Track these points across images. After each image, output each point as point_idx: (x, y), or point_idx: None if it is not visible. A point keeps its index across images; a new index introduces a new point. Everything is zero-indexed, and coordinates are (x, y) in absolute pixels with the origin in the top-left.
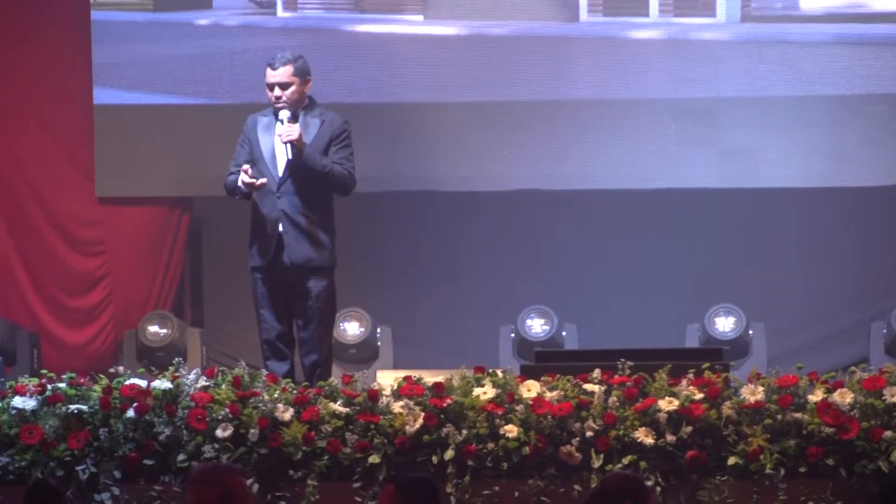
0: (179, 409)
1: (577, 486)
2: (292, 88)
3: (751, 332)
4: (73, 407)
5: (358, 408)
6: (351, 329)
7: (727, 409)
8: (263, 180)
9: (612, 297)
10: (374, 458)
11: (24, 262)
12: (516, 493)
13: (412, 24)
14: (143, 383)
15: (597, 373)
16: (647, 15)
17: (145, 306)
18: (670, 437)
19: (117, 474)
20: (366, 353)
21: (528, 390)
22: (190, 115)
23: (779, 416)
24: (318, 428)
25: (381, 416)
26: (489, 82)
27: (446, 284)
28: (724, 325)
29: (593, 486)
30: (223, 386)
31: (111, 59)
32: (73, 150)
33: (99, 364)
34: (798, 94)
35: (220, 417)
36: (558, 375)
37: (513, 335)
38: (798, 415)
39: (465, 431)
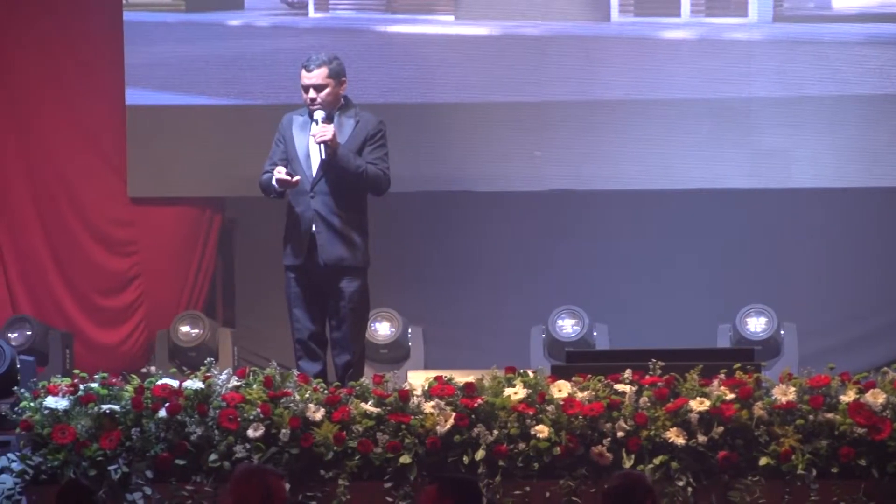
0: (211, 409)
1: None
2: (327, 90)
3: (782, 332)
4: (105, 407)
5: (389, 408)
6: (382, 329)
7: (759, 409)
8: (297, 178)
9: (644, 298)
10: (406, 459)
11: (57, 262)
12: (547, 494)
13: (443, 25)
14: (174, 383)
15: (628, 373)
16: (678, 15)
17: (177, 306)
18: (702, 438)
19: (149, 474)
20: (397, 354)
21: (559, 390)
22: (221, 116)
23: (810, 417)
24: (350, 428)
25: (413, 417)
26: (521, 82)
27: (477, 285)
28: (756, 325)
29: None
30: (255, 386)
31: (143, 59)
32: (106, 150)
33: (131, 364)
34: (830, 94)
35: (252, 417)
36: (589, 376)
37: (544, 335)
38: (830, 415)
39: (496, 432)
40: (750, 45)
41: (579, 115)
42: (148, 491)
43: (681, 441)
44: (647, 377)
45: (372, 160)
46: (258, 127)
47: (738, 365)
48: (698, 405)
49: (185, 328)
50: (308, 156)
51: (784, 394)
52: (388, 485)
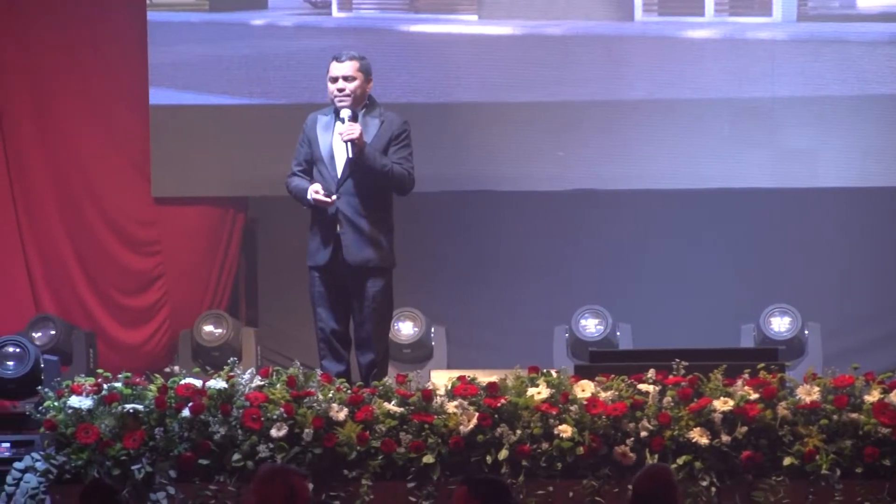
0: (234, 409)
1: (631, 487)
2: (357, 83)
3: (806, 332)
4: (128, 406)
5: (412, 407)
6: (405, 329)
7: (783, 409)
8: (334, 197)
9: (667, 297)
10: (429, 458)
11: (80, 262)
12: (570, 494)
13: (467, 24)
14: (198, 383)
15: (651, 373)
16: (702, 14)
17: (200, 306)
18: (725, 438)
19: (172, 474)
20: (420, 353)
21: (583, 390)
22: (245, 116)
23: (835, 417)
24: (373, 428)
25: (436, 416)
26: (543, 82)
27: (501, 284)
28: (780, 325)
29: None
30: (278, 385)
31: (167, 59)
32: (130, 150)
33: (154, 364)
34: (855, 94)
35: (275, 417)
36: (612, 375)
37: (567, 335)
38: (854, 415)
39: (519, 431)
40: (774, 45)
41: (602, 114)
42: (171, 490)
43: (704, 441)
44: (671, 377)
45: (397, 160)
46: (281, 126)
47: (762, 365)
48: (722, 405)
49: (208, 328)
50: (332, 156)
51: (808, 394)
52: (411, 485)
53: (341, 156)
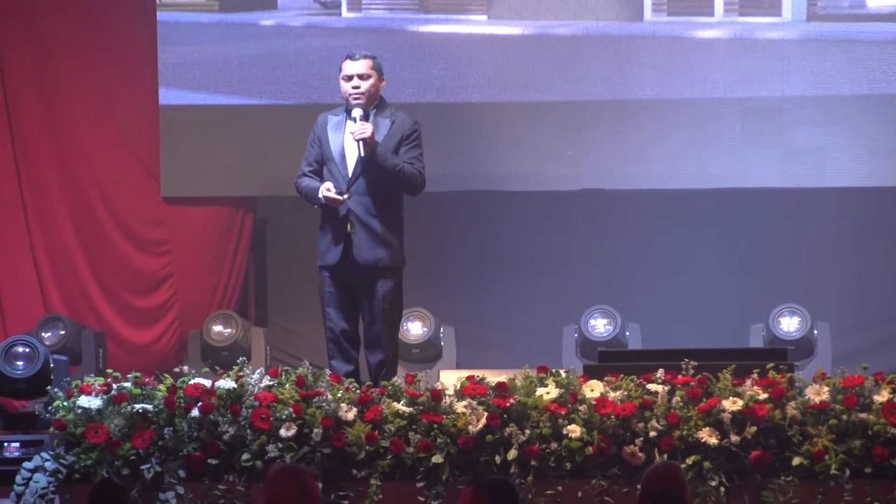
0: (243, 409)
1: (640, 487)
2: (371, 81)
3: (815, 332)
4: (138, 406)
5: (421, 407)
6: (414, 329)
7: (792, 409)
8: (346, 196)
9: (676, 297)
10: (438, 458)
11: (90, 262)
12: (579, 493)
13: (476, 24)
14: (207, 383)
15: (660, 373)
16: (711, 14)
17: (210, 306)
18: (734, 438)
19: (182, 473)
20: (429, 353)
21: (592, 390)
22: (254, 116)
23: (844, 417)
24: (382, 427)
25: (445, 416)
26: (553, 82)
27: (510, 284)
28: (789, 324)
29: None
30: (287, 385)
31: (177, 59)
32: (139, 150)
33: (164, 364)
34: (864, 93)
35: (284, 417)
36: (622, 375)
37: (576, 335)
38: (863, 415)
39: (528, 431)
40: (783, 45)
41: (611, 114)
42: (180, 490)
43: (713, 441)
44: (680, 377)
45: (408, 160)
46: (291, 126)
47: (771, 365)
48: (731, 405)
49: (217, 327)
50: (343, 156)
51: (817, 393)
52: (420, 484)
53: (352, 155)
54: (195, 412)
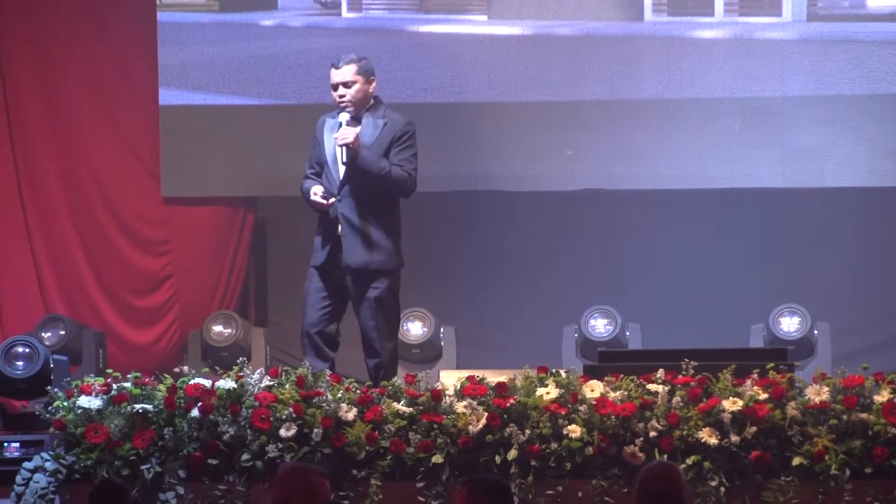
0: (243, 409)
1: (637, 486)
2: (356, 87)
3: (816, 332)
4: (138, 406)
5: (421, 408)
6: (414, 329)
7: (792, 409)
8: (333, 201)
9: (676, 297)
10: (438, 458)
11: (90, 262)
12: (579, 494)
13: (476, 24)
14: (207, 383)
15: (660, 373)
16: (712, 14)
17: (210, 306)
18: (734, 438)
19: (182, 473)
20: (429, 353)
21: (592, 390)
22: (254, 116)
23: (844, 417)
24: (382, 428)
25: (445, 416)
26: (553, 82)
27: (510, 284)
28: (789, 325)
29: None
30: (287, 385)
31: (177, 59)
32: (140, 150)
33: (164, 364)
34: (864, 93)
35: (284, 417)
36: (622, 375)
37: (576, 335)
38: (864, 415)
39: (528, 431)
40: (783, 45)
41: (611, 114)
42: (180, 490)
43: (713, 441)
44: (680, 377)
45: (398, 161)
46: (291, 127)
47: (772, 365)
48: (731, 405)
49: (217, 328)
50: (336, 159)
51: (817, 394)
52: (420, 484)
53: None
54: (195, 412)
